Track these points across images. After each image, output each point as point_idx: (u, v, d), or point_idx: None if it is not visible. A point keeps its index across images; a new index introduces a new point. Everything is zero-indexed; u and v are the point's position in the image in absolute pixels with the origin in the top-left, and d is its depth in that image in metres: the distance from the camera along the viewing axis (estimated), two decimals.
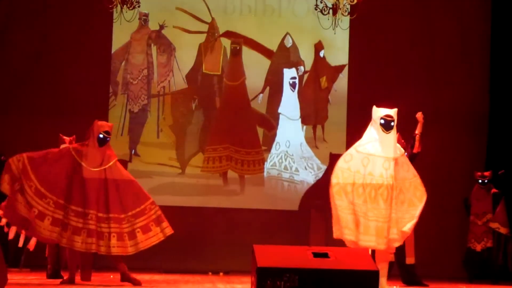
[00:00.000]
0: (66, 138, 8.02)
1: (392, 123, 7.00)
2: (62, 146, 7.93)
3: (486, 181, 9.90)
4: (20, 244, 8.47)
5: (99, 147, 7.30)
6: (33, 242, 8.38)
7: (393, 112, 7.06)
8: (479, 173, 10.00)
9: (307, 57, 11.64)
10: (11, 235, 8.28)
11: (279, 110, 11.56)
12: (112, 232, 7.21)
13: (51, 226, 7.11)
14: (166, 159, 11.40)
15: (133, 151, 11.42)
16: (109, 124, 7.46)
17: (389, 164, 6.86)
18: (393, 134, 7.03)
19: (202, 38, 11.59)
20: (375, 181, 6.82)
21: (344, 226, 6.80)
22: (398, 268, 8.69)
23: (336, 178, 6.87)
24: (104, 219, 7.17)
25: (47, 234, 7.17)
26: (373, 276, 5.70)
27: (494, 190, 9.95)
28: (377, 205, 6.78)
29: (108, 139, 7.35)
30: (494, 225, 9.79)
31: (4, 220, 8.21)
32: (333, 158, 10.89)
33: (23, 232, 8.03)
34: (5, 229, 8.43)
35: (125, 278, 7.57)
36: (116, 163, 7.38)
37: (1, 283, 5.64)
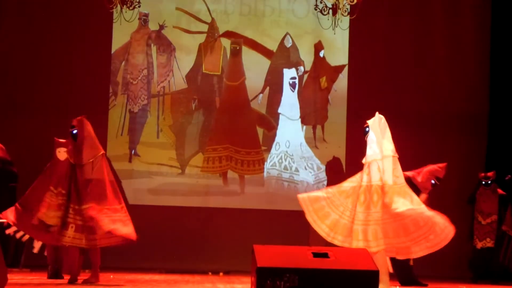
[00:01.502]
0: (63, 141, 8.02)
1: (367, 129, 7.67)
2: (59, 150, 7.93)
3: (490, 181, 9.89)
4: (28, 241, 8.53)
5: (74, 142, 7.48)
6: (37, 244, 8.46)
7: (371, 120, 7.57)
8: (482, 174, 9.99)
9: (307, 57, 11.64)
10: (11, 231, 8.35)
11: (279, 110, 11.56)
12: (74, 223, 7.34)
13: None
14: (166, 159, 11.40)
15: (133, 151, 11.41)
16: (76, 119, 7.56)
17: (363, 169, 7.39)
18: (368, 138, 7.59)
19: (202, 38, 11.60)
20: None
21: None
22: (394, 269, 8.67)
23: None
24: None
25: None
26: (373, 276, 5.69)
27: (500, 192, 9.94)
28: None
29: (73, 132, 7.49)
30: (505, 227, 9.80)
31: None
32: (330, 164, 10.99)
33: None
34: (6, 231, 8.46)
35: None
36: (95, 161, 7.51)
37: (1, 283, 5.64)
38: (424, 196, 8.37)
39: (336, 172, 10.98)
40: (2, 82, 11.27)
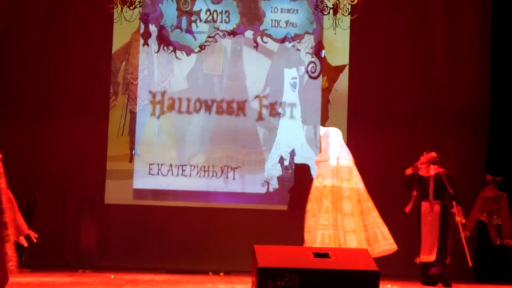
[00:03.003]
0: None
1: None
2: None
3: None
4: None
5: None
6: None
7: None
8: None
9: (307, 57, 11.62)
10: None
11: (280, 110, 11.55)
12: None
13: None
14: (167, 159, 11.38)
15: (133, 151, 11.41)
16: None
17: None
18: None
19: (202, 38, 11.58)
20: None
21: None
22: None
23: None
24: None
25: None
26: (374, 276, 5.69)
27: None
28: None
29: None
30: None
31: None
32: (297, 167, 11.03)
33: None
34: None
35: None
36: None
37: (2, 283, 5.64)
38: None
39: (304, 174, 11.00)
40: (1, 82, 11.24)
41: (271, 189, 11.39)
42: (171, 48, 11.53)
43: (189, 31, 11.59)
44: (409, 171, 9.02)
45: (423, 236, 8.65)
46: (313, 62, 11.61)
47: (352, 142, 11.30)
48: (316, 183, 8.44)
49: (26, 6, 11.37)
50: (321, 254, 5.84)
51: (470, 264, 8.77)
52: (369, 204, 8.33)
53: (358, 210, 8.13)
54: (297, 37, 11.61)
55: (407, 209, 8.80)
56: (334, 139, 8.53)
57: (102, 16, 10.88)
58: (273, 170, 11.42)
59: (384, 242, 8.11)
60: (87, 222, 10.38)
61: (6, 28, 11.30)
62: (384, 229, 8.23)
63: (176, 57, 11.53)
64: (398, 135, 11.37)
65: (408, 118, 11.47)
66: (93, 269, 9.93)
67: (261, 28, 11.63)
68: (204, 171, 11.38)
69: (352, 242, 7.74)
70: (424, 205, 8.75)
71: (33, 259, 9.78)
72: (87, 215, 10.41)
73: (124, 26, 10.68)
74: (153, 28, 11.56)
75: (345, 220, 7.95)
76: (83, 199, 10.61)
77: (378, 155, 11.11)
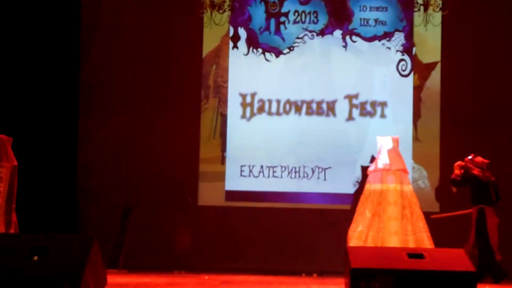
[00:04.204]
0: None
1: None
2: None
3: None
4: None
5: None
6: None
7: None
8: None
9: (397, 55, 11.45)
10: None
11: (370, 110, 11.43)
12: None
13: None
14: (258, 160, 11.42)
15: (224, 153, 11.53)
16: None
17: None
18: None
19: (291, 39, 11.57)
20: None
21: None
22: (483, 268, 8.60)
23: None
24: None
25: None
26: (470, 277, 5.56)
27: None
28: None
29: None
30: None
31: None
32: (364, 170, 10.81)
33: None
34: None
35: None
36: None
37: (101, 284, 5.81)
38: None
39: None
40: (97, 85, 11.55)
41: None
42: (260, 50, 11.60)
43: (277, 32, 11.62)
44: (460, 167, 9.01)
45: (493, 239, 8.77)
46: (404, 60, 11.44)
47: (445, 140, 11.09)
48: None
49: (119, 13, 11.65)
50: (416, 255, 5.75)
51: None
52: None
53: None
54: (387, 35, 11.47)
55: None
56: None
57: (192, 21, 11.06)
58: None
59: None
60: (182, 224, 10.57)
61: (104, 35, 11.61)
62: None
63: (266, 59, 11.59)
64: (491, 134, 11.07)
65: (503, 116, 11.13)
66: (188, 270, 10.10)
67: (350, 27, 11.55)
68: (295, 172, 11.40)
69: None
70: (488, 210, 8.88)
71: (130, 260, 10.04)
72: (182, 216, 10.60)
73: (213, 30, 10.84)
74: (242, 31, 11.65)
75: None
76: (177, 201, 10.81)
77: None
